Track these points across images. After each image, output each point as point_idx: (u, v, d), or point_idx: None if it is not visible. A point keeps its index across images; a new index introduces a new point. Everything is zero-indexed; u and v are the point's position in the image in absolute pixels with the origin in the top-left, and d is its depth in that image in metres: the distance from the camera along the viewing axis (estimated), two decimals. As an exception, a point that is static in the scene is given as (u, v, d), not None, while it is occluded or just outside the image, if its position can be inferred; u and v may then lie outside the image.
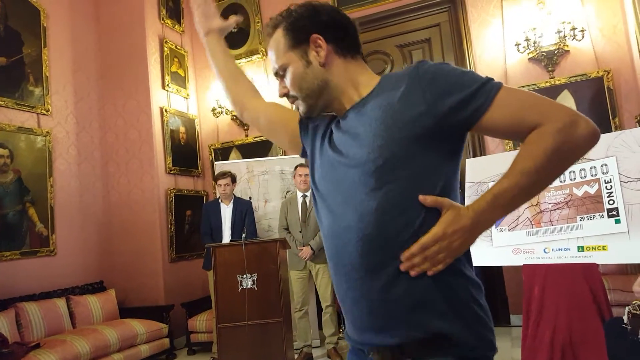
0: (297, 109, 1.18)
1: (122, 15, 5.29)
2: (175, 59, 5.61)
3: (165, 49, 5.44)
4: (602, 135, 3.21)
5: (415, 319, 0.97)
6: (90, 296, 4.49)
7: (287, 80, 1.13)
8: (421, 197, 0.95)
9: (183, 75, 5.71)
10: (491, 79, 0.97)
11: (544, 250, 3.41)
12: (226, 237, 4.45)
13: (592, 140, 0.93)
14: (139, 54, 5.21)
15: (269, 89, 5.55)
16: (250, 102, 1.38)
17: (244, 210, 4.51)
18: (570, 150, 0.92)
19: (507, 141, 4.52)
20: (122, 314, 4.61)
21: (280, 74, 1.16)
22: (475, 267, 3.96)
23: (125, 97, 5.22)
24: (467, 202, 3.86)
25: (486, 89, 0.95)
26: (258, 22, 5.60)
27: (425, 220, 0.96)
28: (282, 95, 1.18)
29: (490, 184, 3.60)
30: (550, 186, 3.49)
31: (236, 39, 5.71)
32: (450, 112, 0.95)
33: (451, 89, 0.96)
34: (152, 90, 5.18)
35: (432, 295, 0.96)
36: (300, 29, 1.10)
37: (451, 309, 0.97)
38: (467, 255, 1.03)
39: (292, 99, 1.16)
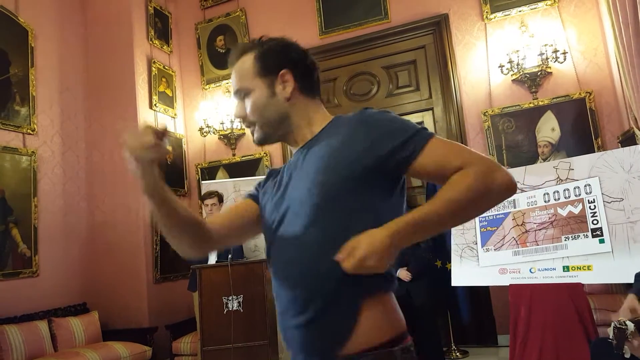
0: (252, 134, 1.22)
1: (111, 35, 5.31)
2: (163, 79, 5.63)
3: (153, 69, 5.45)
4: (585, 156, 3.29)
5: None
6: (73, 318, 4.41)
7: (249, 105, 1.17)
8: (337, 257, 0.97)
9: (171, 95, 5.72)
10: (424, 129, 1.06)
11: (530, 270, 3.42)
12: (212, 258, 4.40)
13: (508, 190, 1.01)
14: (127, 74, 5.22)
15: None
16: (210, 231, 1.23)
17: (230, 231, 4.47)
18: (486, 193, 1.00)
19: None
20: (105, 336, 4.52)
21: (241, 96, 1.19)
22: (462, 287, 3.97)
23: (113, 116, 5.20)
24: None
25: (418, 138, 1.03)
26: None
27: None
28: (238, 117, 1.22)
29: None
30: (535, 206, 3.53)
31: (224, 60, 5.76)
32: (387, 155, 1.03)
33: (390, 135, 1.04)
34: (139, 110, 5.18)
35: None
36: (271, 61, 1.16)
37: None
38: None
39: (249, 124, 1.21)
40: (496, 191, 1.00)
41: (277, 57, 1.16)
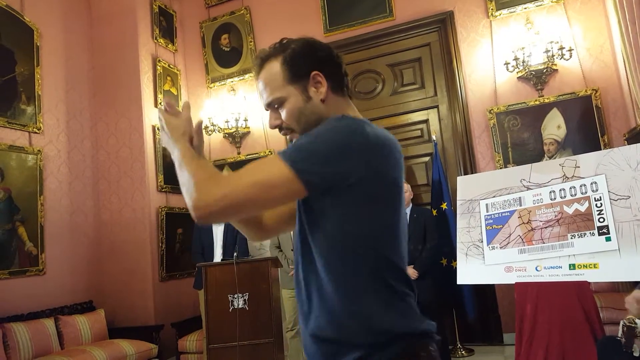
0: (291, 140, 1.18)
1: (116, 34, 5.33)
2: (168, 78, 5.64)
3: (158, 67, 5.46)
4: (591, 154, 3.27)
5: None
6: (79, 316, 4.43)
7: (284, 113, 1.13)
8: None
9: (176, 93, 5.73)
10: (294, 156, 0.98)
11: (536, 268, 3.41)
12: (217, 256, 4.42)
13: (196, 213, 0.98)
14: (132, 72, 5.24)
15: (262, 108, 5.57)
16: (264, 223, 1.36)
17: (235, 229, 4.46)
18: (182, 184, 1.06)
19: (497, 158, 4.55)
20: (111, 334, 4.55)
21: (274, 106, 1.15)
22: (468, 285, 3.96)
23: (118, 115, 5.23)
24: (458, 219, 3.87)
25: (297, 151, 1.01)
26: (251, 41, 5.65)
27: None
28: (273, 127, 1.18)
29: (482, 202, 3.57)
30: (541, 204, 3.52)
31: (229, 58, 5.76)
32: None
33: None
34: (144, 109, 5.20)
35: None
36: (300, 64, 1.12)
37: None
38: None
39: (286, 132, 1.17)
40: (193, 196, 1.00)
41: (305, 60, 1.12)
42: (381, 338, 1.01)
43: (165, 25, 5.76)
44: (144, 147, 5.10)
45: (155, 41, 5.54)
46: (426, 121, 5.05)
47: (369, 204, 1.03)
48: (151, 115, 5.29)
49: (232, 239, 4.42)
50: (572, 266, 3.26)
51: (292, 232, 4.04)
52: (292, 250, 4.18)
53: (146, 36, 5.42)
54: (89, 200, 5.07)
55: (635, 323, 2.15)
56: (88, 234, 4.99)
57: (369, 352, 1.00)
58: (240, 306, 3.69)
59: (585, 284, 3.08)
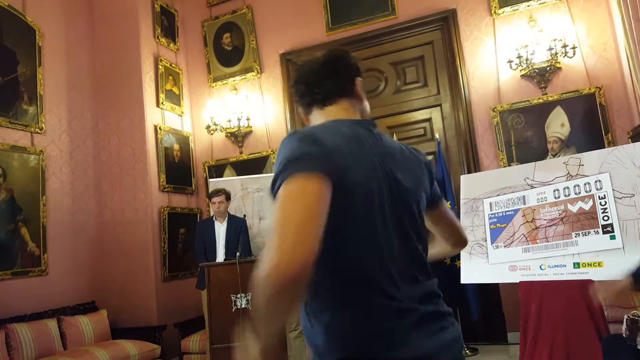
0: None
1: (117, 34, 5.32)
2: (170, 77, 5.63)
3: (160, 67, 5.46)
4: (595, 152, 3.25)
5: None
6: (82, 316, 4.42)
7: None
8: None
9: (177, 93, 5.72)
10: (290, 164, 0.95)
11: (540, 266, 3.40)
12: (220, 256, 4.41)
13: (277, 287, 0.81)
14: (134, 72, 5.23)
15: (264, 107, 5.57)
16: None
17: (238, 228, 4.48)
18: (266, 293, 0.83)
19: (501, 157, 4.53)
20: (114, 334, 4.54)
21: None
22: (472, 284, 3.95)
23: (120, 115, 5.22)
24: (462, 218, 3.86)
25: (280, 178, 0.95)
26: (253, 40, 5.64)
27: None
28: None
29: (486, 200, 3.56)
30: (545, 202, 3.50)
31: (231, 57, 5.75)
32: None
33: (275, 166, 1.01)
34: (146, 108, 5.19)
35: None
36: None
37: None
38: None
39: None
40: (268, 289, 0.82)
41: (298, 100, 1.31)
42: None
43: (167, 25, 5.75)
44: (146, 147, 5.09)
45: (157, 40, 5.53)
46: (429, 119, 5.04)
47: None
48: (153, 115, 5.29)
49: (235, 239, 4.40)
50: (577, 265, 3.25)
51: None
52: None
53: (148, 35, 5.42)
54: (91, 201, 5.06)
55: (639, 317, 2.14)
56: (90, 234, 4.99)
57: None
58: (243, 306, 3.69)
59: (589, 283, 3.06)
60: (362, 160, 1.05)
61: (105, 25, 5.37)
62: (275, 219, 0.88)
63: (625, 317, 2.29)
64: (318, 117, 1.22)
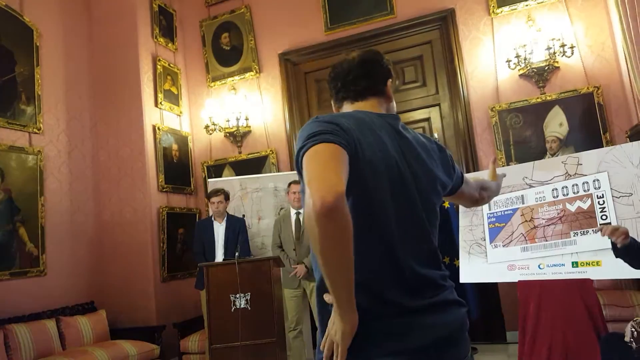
0: None
1: (115, 33, 5.31)
2: (169, 77, 5.62)
3: (158, 67, 5.45)
4: (593, 151, 3.26)
5: None
6: (81, 317, 4.41)
7: None
8: None
9: (176, 92, 5.72)
10: (311, 139, 1.07)
11: (539, 266, 3.41)
12: (219, 256, 4.41)
13: (319, 218, 0.93)
14: (132, 72, 5.22)
15: (263, 107, 5.56)
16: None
17: (237, 228, 4.48)
18: (316, 231, 0.94)
19: (500, 156, 4.54)
20: (113, 334, 4.53)
21: None
22: (471, 283, 3.95)
23: (118, 115, 5.21)
24: (461, 217, 3.86)
25: (302, 152, 1.07)
26: (251, 40, 5.63)
27: None
28: None
29: None
30: (543, 202, 3.51)
31: (230, 57, 5.75)
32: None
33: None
34: (145, 108, 5.18)
35: None
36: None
37: None
38: None
39: None
40: (315, 227, 0.94)
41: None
42: None
43: (165, 25, 5.74)
44: (145, 147, 5.09)
45: (155, 40, 5.52)
46: (428, 119, 5.04)
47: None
48: (151, 115, 5.28)
49: (234, 239, 4.40)
50: (575, 264, 3.26)
51: (293, 231, 4.01)
52: (293, 250, 4.20)
53: (146, 35, 5.41)
54: (89, 201, 5.05)
55: None
56: (89, 235, 4.98)
57: None
58: (242, 306, 3.69)
59: (588, 282, 3.07)
60: (374, 144, 1.15)
61: (103, 25, 5.36)
62: (305, 180, 1.01)
63: (631, 327, 2.28)
64: (347, 110, 1.35)
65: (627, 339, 2.27)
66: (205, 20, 5.90)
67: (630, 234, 3.07)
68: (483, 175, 1.82)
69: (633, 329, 2.23)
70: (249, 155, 5.52)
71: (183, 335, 4.67)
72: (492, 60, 4.68)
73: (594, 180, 3.34)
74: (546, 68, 4.37)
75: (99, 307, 4.75)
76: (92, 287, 4.87)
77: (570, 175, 3.46)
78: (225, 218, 4.52)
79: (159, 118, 5.38)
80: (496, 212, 3.74)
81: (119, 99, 5.22)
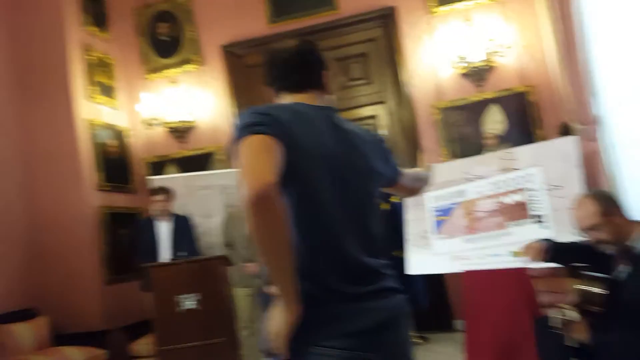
0: None
1: (39, 23, 4.90)
2: (102, 68, 5.31)
3: (90, 57, 5.12)
4: (527, 146, 3.45)
5: None
6: (19, 324, 4.13)
7: None
8: None
9: (111, 85, 5.42)
10: (247, 128, 1.13)
11: (480, 256, 3.58)
12: (163, 256, 4.29)
13: (251, 207, 1.01)
14: (59, 63, 4.85)
15: (207, 101, 5.40)
16: None
17: (183, 227, 4.38)
18: (251, 221, 1.03)
19: (444, 153, 4.69)
20: (58, 341, 4.29)
21: None
22: (420, 275, 4.08)
23: (47, 109, 4.84)
24: (407, 211, 3.98)
25: (237, 141, 1.14)
26: (191, 31, 5.44)
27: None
28: None
29: (428, 194, 3.62)
30: (482, 195, 3.69)
31: (169, 48, 5.52)
32: None
33: None
34: (76, 102, 4.86)
35: None
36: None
37: None
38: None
39: None
40: (250, 215, 1.03)
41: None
42: None
43: (96, 12, 5.39)
44: (76, 143, 4.79)
45: (85, 28, 5.18)
46: (375, 116, 5.13)
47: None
48: (84, 109, 4.95)
49: (180, 238, 4.30)
50: (513, 253, 3.46)
51: (245, 229, 3.94)
52: (246, 248, 4.15)
53: (74, 23, 5.04)
54: (19, 202, 4.69)
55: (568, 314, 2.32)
56: (21, 237, 4.64)
57: None
58: (190, 306, 3.63)
59: (524, 270, 3.28)
60: (312, 136, 1.20)
61: (27, 11, 4.95)
62: (240, 171, 1.06)
63: (557, 316, 2.46)
64: (285, 102, 1.35)
65: (552, 324, 2.45)
66: (139, 8, 5.60)
67: (563, 225, 3.32)
68: (416, 170, 1.92)
69: (561, 316, 2.40)
70: (194, 152, 5.36)
71: (132, 338, 4.52)
72: (433, 59, 4.81)
73: (528, 174, 3.54)
74: (484, 67, 4.57)
75: (41, 313, 4.46)
76: (30, 292, 4.56)
77: (506, 170, 3.65)
78: (170, 217, 4.40)
79: (93, 112, 5.08)
80: (439, 206, 3.89)
81: (46, 91, 4.85)
